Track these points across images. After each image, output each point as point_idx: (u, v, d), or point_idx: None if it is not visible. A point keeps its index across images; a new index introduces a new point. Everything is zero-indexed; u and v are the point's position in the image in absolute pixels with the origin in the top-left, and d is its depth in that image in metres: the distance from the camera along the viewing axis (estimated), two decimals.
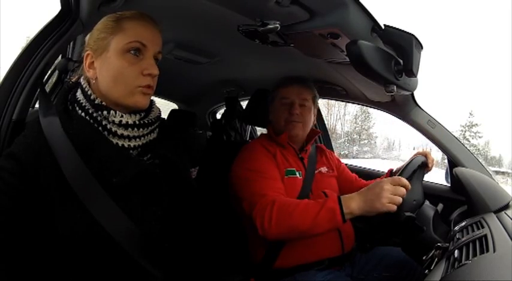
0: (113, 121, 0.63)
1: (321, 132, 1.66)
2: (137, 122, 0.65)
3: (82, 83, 0.67)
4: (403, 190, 0.81)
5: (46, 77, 0.94)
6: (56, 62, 0.97)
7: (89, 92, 0.65)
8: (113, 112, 0.63)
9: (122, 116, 0.63)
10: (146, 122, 0.66)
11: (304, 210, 0.85)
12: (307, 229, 0.84)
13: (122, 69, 0.62)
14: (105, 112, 0.62)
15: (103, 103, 0.64)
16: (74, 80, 0.70)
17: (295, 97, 1.11)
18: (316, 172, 1.13)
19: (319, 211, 0.83)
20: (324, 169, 1.17)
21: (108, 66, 0.63)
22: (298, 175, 1.08)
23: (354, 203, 0.82)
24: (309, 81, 1.17)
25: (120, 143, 0.63)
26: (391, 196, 0.79)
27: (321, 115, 1.78)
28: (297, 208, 0.85)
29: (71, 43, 1.10)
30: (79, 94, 0.66)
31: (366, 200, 0.81)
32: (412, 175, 0.95)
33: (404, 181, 0.82)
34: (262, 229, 0.87)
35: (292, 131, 1.10)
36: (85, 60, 0.66)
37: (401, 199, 0.80)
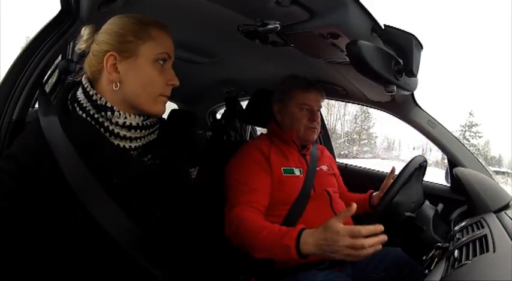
0: (116, 122, 0.62)
1: (321, 131, 1.66)
2: (140, 124, 0.65)
3: (84, 83, 0.65)
4: (366, 242, 0.68)
5: (46, 77, 0.94)
6: (56, 62, 0.97)
7: (91, 92, 0.63)
8: (117, 113, 0.62)
9: (125, 118, 0.63)
10: (149, 123, 0.66)
11: (263, 241, 0.84)
12: (265, 256, 0.85)
13: (153, 78, 0.63)
14: (109, 113, 0.62)
15: (107, 104, 0.62)
16: (78, 79, 0.69)
17: (315, 104, 1.13)
18: (317, 169, 1.14)
19: (275, 244, 0.81)
20: (325, 167, 1.18)
21: (138, 72, 0.63)
22: (298, 173, 1.08)
23: (311, 247, 0.75)
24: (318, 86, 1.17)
25: (121, 144, 0.63)
26: (349, 252, 0.69)
27: (321, 115, 1.78)
28: (256, 237, 0.85)
29: (71, 43, 1.10)
30: (80, 94, 0.64)
31: (322, 249, 0.73)
32: (411, 175, 0.94)
33: (367, 230, 0.69)
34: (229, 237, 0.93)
35: (311, 136, 1.13)
36: (106, 61, 0.62)
37: (365, 251, 0.69)
